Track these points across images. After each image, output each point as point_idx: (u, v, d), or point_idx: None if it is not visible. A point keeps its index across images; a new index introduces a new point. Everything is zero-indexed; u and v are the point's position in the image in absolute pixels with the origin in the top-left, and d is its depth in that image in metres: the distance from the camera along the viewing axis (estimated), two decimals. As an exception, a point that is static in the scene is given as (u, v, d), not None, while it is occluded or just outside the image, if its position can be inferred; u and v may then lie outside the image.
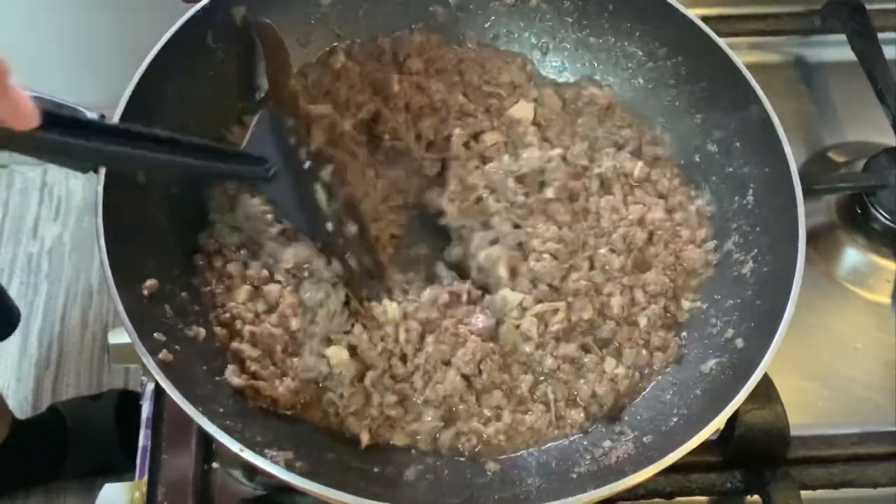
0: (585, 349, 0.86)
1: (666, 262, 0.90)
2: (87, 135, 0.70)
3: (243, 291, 0.85)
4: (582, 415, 0.83)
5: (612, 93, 1.01)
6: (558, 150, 0.95)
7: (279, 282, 0.86)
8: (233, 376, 0.80)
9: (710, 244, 0.91)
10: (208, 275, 0.86)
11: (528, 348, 0.85)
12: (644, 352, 0.86)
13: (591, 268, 0.90)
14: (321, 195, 0.86)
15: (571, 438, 0.82)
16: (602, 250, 0.90)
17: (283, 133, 0.85)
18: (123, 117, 0.81)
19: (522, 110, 0.99)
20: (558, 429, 0.83)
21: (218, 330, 0.83)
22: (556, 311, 0.87)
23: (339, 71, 0.98)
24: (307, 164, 0.86)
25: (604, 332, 0.87)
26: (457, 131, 0.96)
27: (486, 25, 1.03)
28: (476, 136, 0.97)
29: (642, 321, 0.87)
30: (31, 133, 0.64)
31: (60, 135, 0.68)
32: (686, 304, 0.89)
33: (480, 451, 0.81)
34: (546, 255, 0.89)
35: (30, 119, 0.64)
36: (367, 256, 0.88)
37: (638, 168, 0.95)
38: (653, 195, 0.94)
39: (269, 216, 0.86)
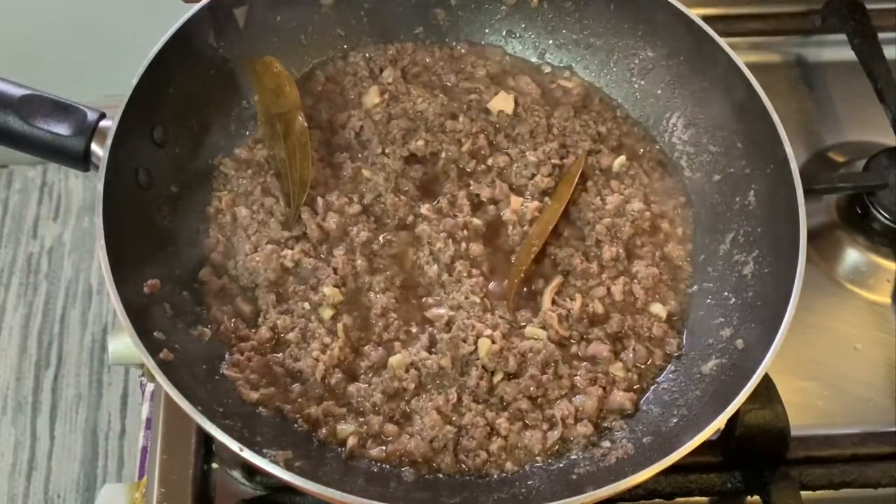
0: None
1: (653, 256, 0.91)
2: None
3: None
4: (591, 428, 0.82)
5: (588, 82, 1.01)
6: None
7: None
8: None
9: (689, 245, 0.91)
10: (218, 313, 0.85)
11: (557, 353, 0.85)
12: (644, 349, 0.85)
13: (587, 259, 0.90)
14: None
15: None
16: (589, 242, 0.91)
17: None
18: (125, 116, 0.81)
19: (502, 102, 0.99)
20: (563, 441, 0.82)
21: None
22: (573, 297, 0.87)
23: (320, 93, 0.98)
24: None
25: (613, 325, 0.86)
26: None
27: (487, 28, 1.03)
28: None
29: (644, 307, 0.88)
30: None
31: None
32: (679, 296, 0.89)
33: (479, 467, 0.80)
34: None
35: None
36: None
37: (617, 163, 0.95)
38: (631, 187, 0.94)
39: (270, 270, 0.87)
